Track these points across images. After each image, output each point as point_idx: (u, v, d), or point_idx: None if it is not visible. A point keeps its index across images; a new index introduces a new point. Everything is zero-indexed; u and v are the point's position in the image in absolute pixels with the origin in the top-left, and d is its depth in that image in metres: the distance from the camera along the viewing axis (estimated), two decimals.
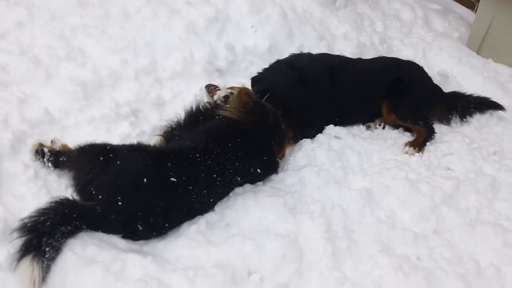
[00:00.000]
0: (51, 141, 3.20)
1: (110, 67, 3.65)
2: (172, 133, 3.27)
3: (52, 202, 2.71)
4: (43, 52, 3.62)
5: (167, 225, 2.87)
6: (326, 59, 4.09)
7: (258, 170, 3.20)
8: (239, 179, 3.11)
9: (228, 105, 3.37)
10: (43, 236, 2.53)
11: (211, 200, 3.02)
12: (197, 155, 2.95)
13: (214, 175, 2.98)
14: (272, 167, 3.36)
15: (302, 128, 3.77)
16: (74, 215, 2.67)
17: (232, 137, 3.14)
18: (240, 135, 3.17)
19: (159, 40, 3.91)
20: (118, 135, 3.37)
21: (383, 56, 4.45)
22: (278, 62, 3.95)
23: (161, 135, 3.34)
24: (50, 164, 3.05)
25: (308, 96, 3.77)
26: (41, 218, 2.60)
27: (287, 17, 4.30)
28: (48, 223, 2.58)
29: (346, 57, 4.27)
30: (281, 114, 3.52)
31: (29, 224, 2.58)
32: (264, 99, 3.57)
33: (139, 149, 3.01)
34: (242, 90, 3.58)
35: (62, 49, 3.68)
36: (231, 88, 3.66)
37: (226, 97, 3.44)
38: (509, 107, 4.33)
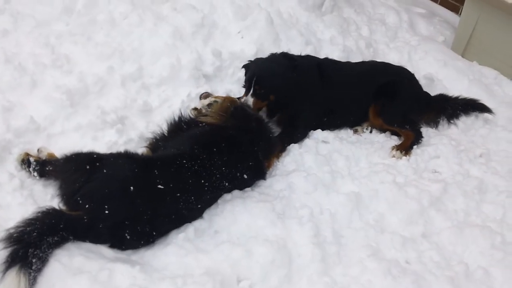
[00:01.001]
0: (38, 150, 3.17)
1: (97, 74, 3.63)
2: (157, 144, 3.26)
3: (38, 212, 2.66)
4: (29, 60, 3.59)
5: (154, 233, 2.84)
6: (315, 58, 4.13)
7: (245, 176, 3.19)
8: (226, 184, 3.10)
9: (210, 110, 3.42)
10: (29, 247, 2.48)
11: (199, 206, 3.00)
12: (184, 161, 2.94)
13: (202, 181, 2.97)
14: (258, 172, 3.35)
15: (288, 128, 3.78)
16: (61, 225, 2.64)
17: (217, 142, 3.14)
18: (224, 140, 3.17)
19: (145, 46, 3.89)
20: (105, 143, 3.34)
21: (373, 60, 4.47)
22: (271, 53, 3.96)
23: (147, 147, 3.34)
24: (35, 174, 3.03)
25: (298, 87, 3.77)
26: (28, 228, 2.56)
27: (273, 23, 4.31)
28: (35, 233, 2.54)
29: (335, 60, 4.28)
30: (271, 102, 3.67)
31: (15, 235, 2.53)
32: (252, 83, 3.63)
33: (125, 157, 2.98)
34: (226, 99, 3.61)
35: (47, 56, 3.65)
36: (217, 97, 3.67)
37: (209, 105, 3.51)
38: (494, 109, 4.37)
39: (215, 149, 3.08)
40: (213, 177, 3.02)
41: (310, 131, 3.87)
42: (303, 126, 3.85)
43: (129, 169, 2.81)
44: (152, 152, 3.28)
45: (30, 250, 2.48)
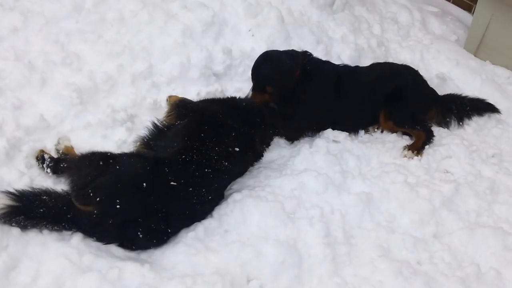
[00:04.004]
0: (58, 141, 3.20)
1: (106, 72, 3.61)
2: (149, 143, 3.25)
3: (57, 192, 2.77)
4: (39, 58, 3.57)
5: (169, 230, 2.85)
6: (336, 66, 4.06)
7: (236, 149, 3.19)
8: (226, 163, 3.10)
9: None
10: (26, 214, 2.63)
11: (210, 197, 3.02)
12: (184, 156, 2.98)
13: (205, 169, 3.00)
14: (248, 144, 3.34)
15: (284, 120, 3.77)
16: (69, 216, 2.69)
17: (200, 128, 3.18)
18: (205, 123, 3.22)
19: (155, 44, 3.87)
20: (114, 141, 3.33)
21: (377, 63, 4.34)
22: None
23: (141, 145, 3.30)
24: (49, 170, 3.04)
25: (310, 93, 3.76)
26: (37, 202, 2.66)
27: (284, 21, 4.27)
28: (41, 210, 2.65)
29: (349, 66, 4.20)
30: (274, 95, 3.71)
31: (24, 198, 2.67)
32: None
33: (137, 155, 3.03)
34: (170, 98, 3.67)
35: (57, 54, 3.64)
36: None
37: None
38: (507, 110, 4.33)
39: (202, 134, 3.12)
40: (212, 160, 3.04)
41: (304, 133, 3.86)
42: (296, 125, 3.83)
43: (141, 167, 2.84)
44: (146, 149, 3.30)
45: (25, 215, 2.63)
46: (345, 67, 4.07)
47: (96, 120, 3.39)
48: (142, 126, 3.46)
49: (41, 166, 3.06)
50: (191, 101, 3.60)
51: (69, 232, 2.75)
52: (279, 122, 3.71)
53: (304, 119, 3.84)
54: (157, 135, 3.28)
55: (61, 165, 3.02)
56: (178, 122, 3.32)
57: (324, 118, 3.88)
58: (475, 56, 5.05)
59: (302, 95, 3.75)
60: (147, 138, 3.27)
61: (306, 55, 3.86)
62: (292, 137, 3.82)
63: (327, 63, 4.01)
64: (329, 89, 3.85)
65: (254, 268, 2.76)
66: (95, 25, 3.90)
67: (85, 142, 3.24)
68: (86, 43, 3.78)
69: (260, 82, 3.73)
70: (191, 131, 3.17)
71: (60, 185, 3.00)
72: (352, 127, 3.97)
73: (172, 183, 2.83)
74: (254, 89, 3.77)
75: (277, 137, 3.78)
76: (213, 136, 3.14)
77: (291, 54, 3.80)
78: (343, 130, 3.88)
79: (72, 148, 3.17)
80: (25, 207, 2.63)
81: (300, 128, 3.86)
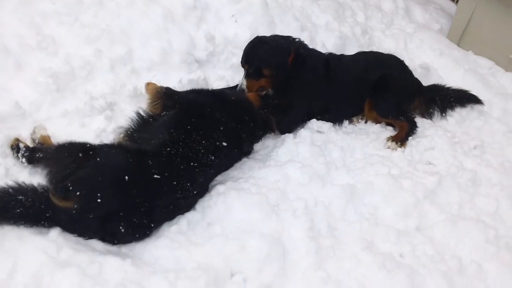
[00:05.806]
0: (33, 130, 3.07)
1: (84, 57, 3.48)
2: (133, 135, 3.15)
3: (35, 189, 2.67)
4: (13, 41, 3.42)
5: (152, 225, 2.79)
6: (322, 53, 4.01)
7: (224, 144, 3.13)
8: (213, 158, 3.05)
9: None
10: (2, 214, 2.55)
11: (195, 192, 2.95)
12: (169, 148, 2.90)
13: (191, 163, 2.93)
14: (236, 140, 3.28)
15: (278, 115, 3.69)
16: (47, 215, 2.59)
17: (188, 120, 3.10)
18: (192, 116, 3.15)
19: (135, 28, 3.75)
20: (93, 130, 3.22)
21: (362, 52, 4.31)
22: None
23: (124, 137, 3.20)
24: (24, 160, 2.92)
25: (303, 79, 3.71)
26: (12, 202, 2.57)
27: (268, 6, 4.19)
28: (18, 210, 2.55)
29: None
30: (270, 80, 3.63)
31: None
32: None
33: (119, 147, 2.93)
34: (149, 86, 3.52)
35: (32, 37, 3.48)
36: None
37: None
38: (489, 101, 4.34)
39: (189, 127, 3.05)
40: (199, 153, 2.98)
41: (300, 124, 3.79)
42: (293, 117, 3.76)
43: (123, 159, 2.75)
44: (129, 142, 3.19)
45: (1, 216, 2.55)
46: (332, 55, 4.03)
47: (73, 108, 3.28)
48: (122, 114, 3.37)
49: (16, 155, 2.94)
50: (176, 91, 3.50)
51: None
52: (272, 117, 3.63)
53: (300, 108, 3.76)
54: (142, 127, 3.18)
55: (37, 155, 2.90)
56: (164, 113, 3.22)
57: (316, 106, 3.83)
58: (458, 46, 5.07)
59: (297, 81, 3.68)
60: (131, 129, 3.17)
61: (297, 40, 3.79)
62: (287, 129, 3.73)
63: (316, 50, 3.97)
64: (321, 75, 3.80)
65: (238, 262, 2.72)
66: (71, 7, 3.74)
67: (62, 131, 3.12)
68: (63, 26, 3.63)
69: (256, 65, 3.60)
70: (177, 123, 3.09)
71: (36, 176, 2.90)
72: (340, 116, 3.95)
73: (155, 176, 2.76)
74: (248, 75, 3.64)
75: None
76: (200, 129, 3.06)
77: (285, 38, 3.75)
78: (331, 120, 3.85)
79: (48, 137, 3.05)
80: (0, 209, 2.54)
81: (296, 118, 3.78)
